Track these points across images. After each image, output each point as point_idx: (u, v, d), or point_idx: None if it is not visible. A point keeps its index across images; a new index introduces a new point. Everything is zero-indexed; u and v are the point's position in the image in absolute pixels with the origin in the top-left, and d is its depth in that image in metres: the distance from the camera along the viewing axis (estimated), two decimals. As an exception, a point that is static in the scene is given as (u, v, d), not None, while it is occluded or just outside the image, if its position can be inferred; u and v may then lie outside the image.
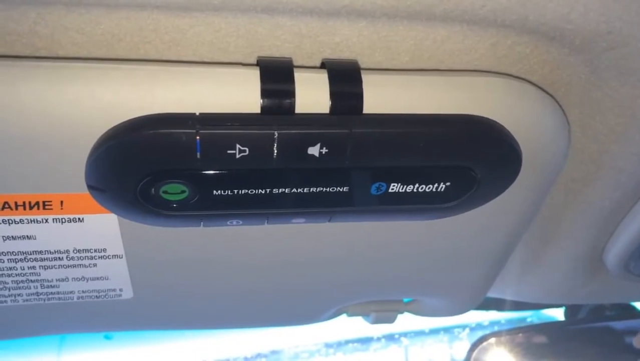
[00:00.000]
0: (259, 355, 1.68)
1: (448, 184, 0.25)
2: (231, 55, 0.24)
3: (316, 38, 0.24)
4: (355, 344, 1.74)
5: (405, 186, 0.25)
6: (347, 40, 0.24)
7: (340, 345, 1.73)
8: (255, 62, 0.24)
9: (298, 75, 0.23)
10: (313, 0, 0.21)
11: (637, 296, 0.51)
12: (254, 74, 0.22)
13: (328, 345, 1.73)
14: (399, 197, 0.25)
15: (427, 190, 0.25)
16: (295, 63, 0.24)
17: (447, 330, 1.72)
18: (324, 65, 0.24)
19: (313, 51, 0.24)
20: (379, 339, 1.73)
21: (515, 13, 0.22)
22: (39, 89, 0.21)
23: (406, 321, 0.46)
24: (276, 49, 0.24)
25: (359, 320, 0.43)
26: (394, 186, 0.25)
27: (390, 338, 1.74)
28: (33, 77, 0.21)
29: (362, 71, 0.23)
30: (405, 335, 1.73)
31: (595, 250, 0.38)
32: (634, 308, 0.68)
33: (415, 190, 0.25)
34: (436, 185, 0.25)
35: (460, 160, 0.25)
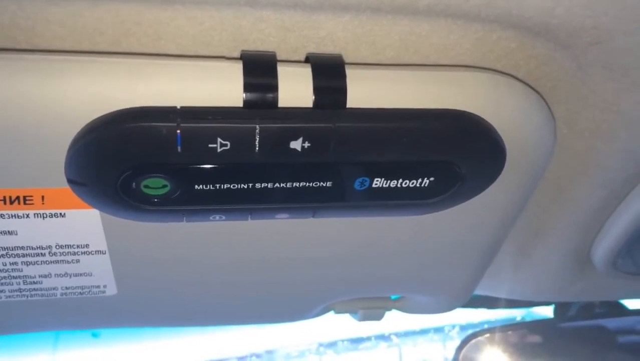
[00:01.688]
0: (252, 355, 1.68)
1: (432, 179, 0.25)
2: (215, 48, 0.24)
3: (300, 32, 0.24)
4: (348, 343, 1.74)
5: (389, 181, 0.25)
6: (331, 35, 0.24)
7: (333, 344, 1.74)
8: (239, 56, 0.24)
9: (281, 69, 0.22)
10: None
11: (626, 293, 0.51)
12: (237, 68, 0.22)
13: (321, 344, 1.73)
14: (382, 192, 0.25)
15: (411, 185, 0.25)
16: (279, 57, 0.24)
17: (438, 328, 1.73)
18: (308, 59, 0.24)
19: (297, 45, 0.24)
20: (371, 338, 1.74)
21: (499, 7, 0.22)
22: (19, 82, 0.21)
23: (398, 320, 0.46)
24: (260, 43, 0.24)
25: (351, 320, 0.43)
26: (377, 181, 0.25)
27: (383, 337, 1.74)
28: (13, 70, 0.21)
29: (346, 66, 0.23)
30: (397, 334, 1.74)
31: (583, 247, 0.38)
32: (622, 305, 0.68)
33: (399, 185, 0.25)
34: (420, 180, 0.25)
35: (444, 155, 0.24)
